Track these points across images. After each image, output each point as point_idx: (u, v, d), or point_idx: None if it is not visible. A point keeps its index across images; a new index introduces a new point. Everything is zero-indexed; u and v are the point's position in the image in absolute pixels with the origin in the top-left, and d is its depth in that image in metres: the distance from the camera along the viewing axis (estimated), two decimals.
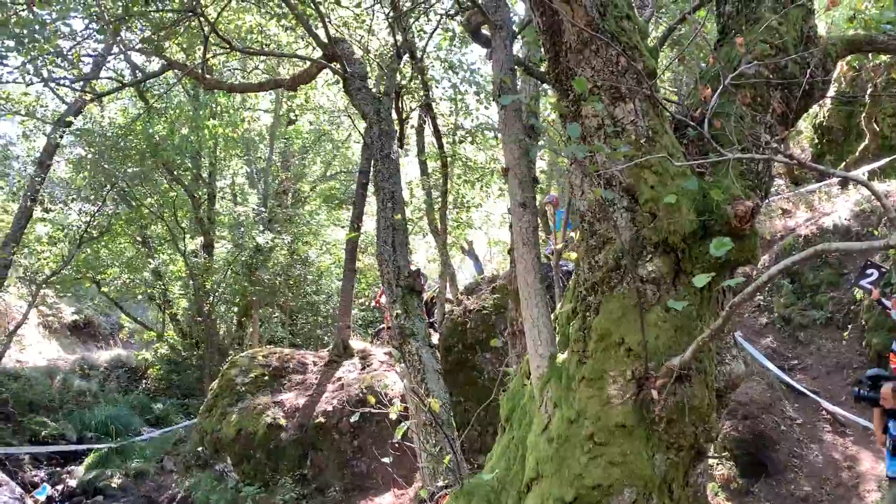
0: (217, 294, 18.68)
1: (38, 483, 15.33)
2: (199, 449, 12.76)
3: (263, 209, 18.36)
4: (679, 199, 3.26)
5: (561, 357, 3.57)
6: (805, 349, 10.92)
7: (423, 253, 23.90)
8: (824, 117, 15.27)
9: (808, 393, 9.79)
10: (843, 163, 14.25)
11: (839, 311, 10.88)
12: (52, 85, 10.36)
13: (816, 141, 15.52)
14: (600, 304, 3.39)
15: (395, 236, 5.62)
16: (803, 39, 3.75)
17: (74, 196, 15.66)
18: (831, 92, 13.85)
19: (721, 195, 3.11)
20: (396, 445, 11.56)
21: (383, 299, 16.73)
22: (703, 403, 3.34)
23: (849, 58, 4.79)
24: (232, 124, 14.74)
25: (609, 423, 3.25)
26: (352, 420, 8.73)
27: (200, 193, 19.35)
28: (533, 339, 3.63)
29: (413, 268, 5.73)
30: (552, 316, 3.86)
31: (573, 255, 3.77)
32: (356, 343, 14.42)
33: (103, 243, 18.97)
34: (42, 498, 8.97)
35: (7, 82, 9.94)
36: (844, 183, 12.75)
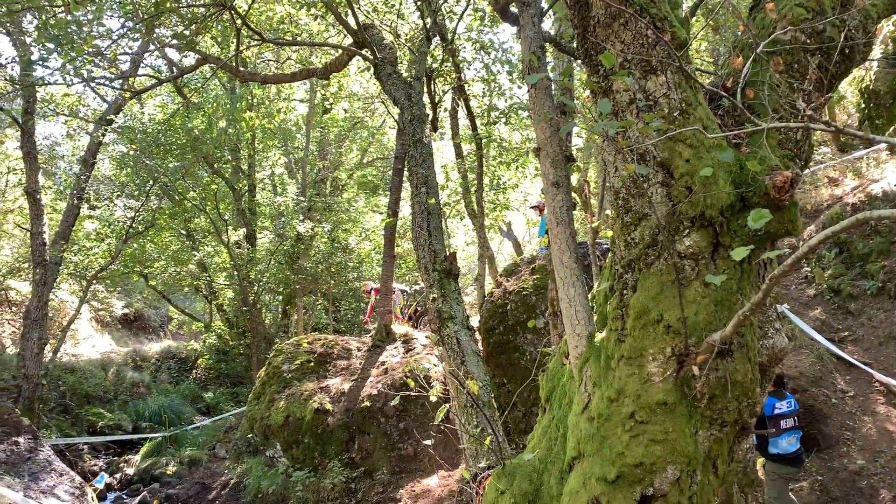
0: (261, 284, 18.98)
1: (97, 472, 15.88)
2: (249, 436, 13.03)
3: (303, 198, 18.55)
4: (715, 172, 3.20)
5: (599, 336, 3.55)
6: (856, 320, 10.65)
7: (461, 236, 23.94)
8: (871, 81, 14.77)
9: (859, 365, 9.56)
10: (893, 127, 13.79)
11: (891, 281, 10.57)
12: (93, 84, 10.60)
13: (863, 105, 15.03)
14: (637, 282, 3.35)
15: (430, 220, 5.61)
16: (841, 1, 3.62)
17: (119, 192, 16.04)
18: (877, 54, 13.38)
19: (758, 166, 3.03)
20: (441, 428, 11.67)
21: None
22: (746, 378, 3.29)
23: (894, 17, 4.62)
24: (268, 116, 14.88)
25: (650, 400, 3.22)
26: (392, 403, 8.83)
27: (241, 185, 19.64)
28: (570, 319, 3.61)
29: (449, 252, 5.74)
30: (589, 295, 3.83)
31: (609, 234, 3.73)
32: (398, 327, 14.53)
33: (149, 238, 19.40)
34: (100, 486, 9.29)
35: (49, 84, 10.22)
36: (893, 148, 12.34)
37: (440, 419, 4.04)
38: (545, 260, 11.81)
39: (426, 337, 14.17)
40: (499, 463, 3.70)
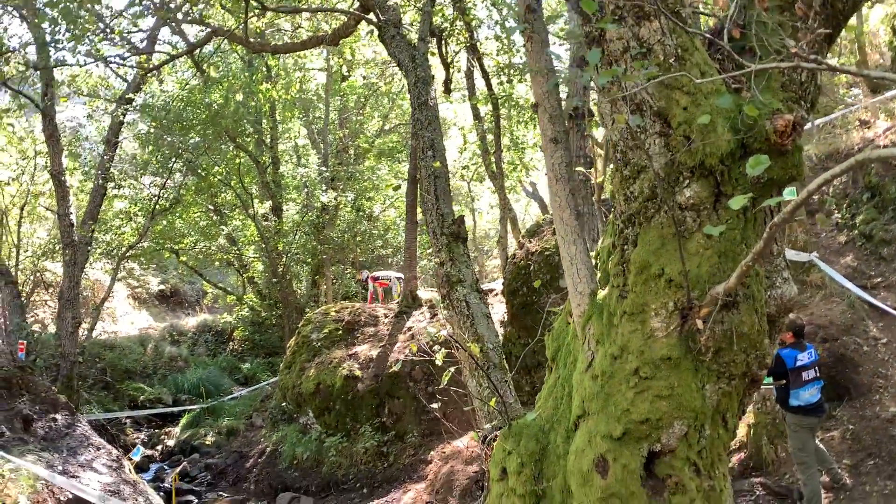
0: (289, 255, 19.14)
1: (134, 445, 16.35)
2: (283, 404, 13.27)
3: (325, 168, 18.56)
4: (714, 119, 3.08)
5: (602, 293, 3.49)
6: (889, 266, 10.37)
7: (485, 199, 23.79)
8: None
9: (892, 312, 9.33)
10: None
11: None
12: (108, 63, 10.64)
13: (895, 44, 14.46)
14: (638, 236, 3.28)
15: (437, 184, 5.55)
16: None
17: (143, 170, 16.20)
18: None
19: (755, 110, 2.92)
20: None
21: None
22: (753, 330, 3.21)
23: None
24: (286, 86, 14.85)
25: (654, 356, 3.16)
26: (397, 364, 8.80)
27: (264, 159, 19.71)
28: (572, 277, 3.55)
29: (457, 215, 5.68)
30: (593, 252, 3.76)
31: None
32: (424, 293, 14.57)
33: (178, 214, 19.64)
34: (137, 458, 9.56)
35: (64, 65, 10.28)
36: None
37: (445, 382, 4.04)
38: None
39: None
40: (505, 424, 3.69)
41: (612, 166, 3.91)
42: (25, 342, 12.38)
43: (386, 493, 10.47)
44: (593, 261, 3.74)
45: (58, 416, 9.10)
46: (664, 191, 3.14)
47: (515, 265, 11.34)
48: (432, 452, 10.89)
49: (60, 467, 8.08)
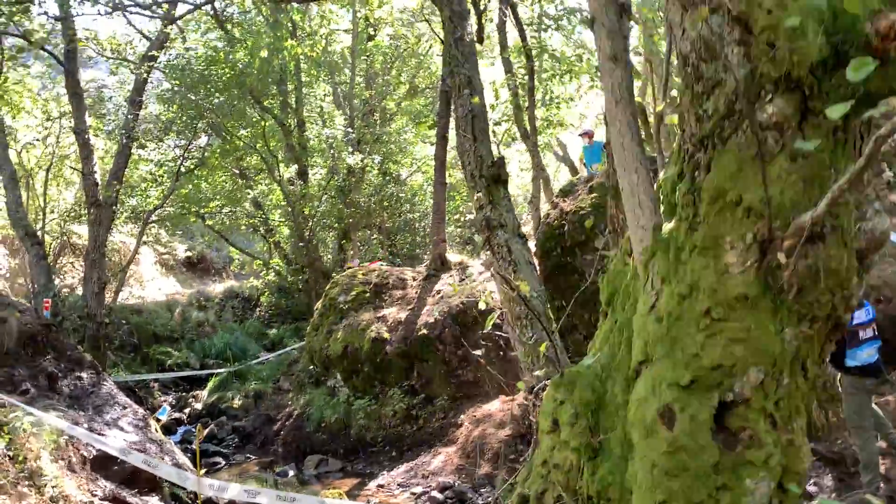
0: (315, 219, 18.91)
1: (162, 405, 16.36)
2: (311, 367, 13.11)
3: (351, 130, 18.21)
4: (803, 22, 2.67)
5: (667, 227, 3.12)
6: None
7: (514, 164, 23.28)
8: None
9: None
10: None
11: None
12: (131, 11, 10.32)
13: None
14: (712, 160, 2.89)
15: (475, 124, 5.18)
16: None
17: (167, 131, 15.96)
18: None
19: (857, 6, 2.50)
20: (500, 354, 11.45)
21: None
22: (841, 266, 2.83)
23: None
24: (311, 43, 14.47)
25: (728, 295, 2.80)
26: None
27: (290, 122, 19.40)
28: (633, 210, 3.19)
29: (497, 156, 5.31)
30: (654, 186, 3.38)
31: (675, 119, 3.26)
32: (453, 256, 14.26)
33: (203, 178, 19.47)
34: (163, 418, 9.44)
35: (88, 14, 9.96)
36: None
37: (489, 327, 3.71)
38: (603, 177, 11.26)
39: (482, 265, 13.87)
40: (557, 372, 3.36)
41: (674, 92, 3.51)
42: (51, 301, 12.32)
43: (415, 457, 10.28)
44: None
45: (83, 375, 8.98)
46: (744, 107, 2.75)
47: (549, 225, 10.96)
48: (462, 416, 10.65)
49: (86, 425, 7.95)
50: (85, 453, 7.54)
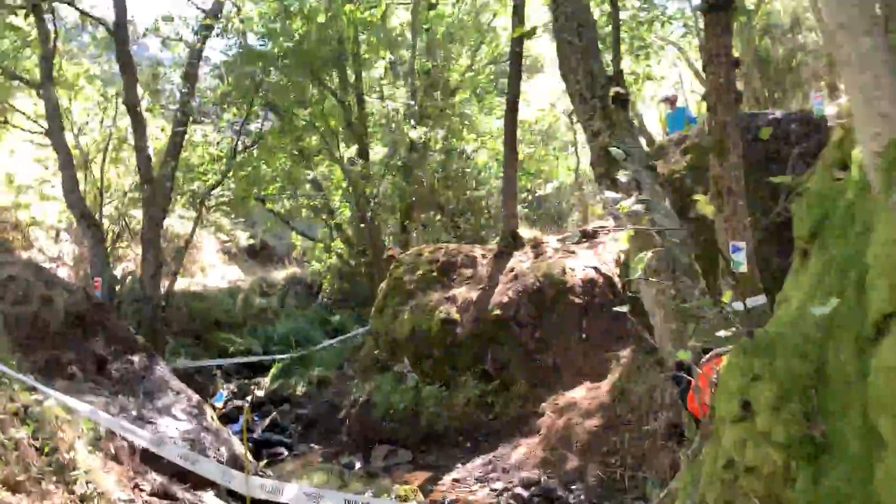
0: (377, 200, 18.11)
1: (218, 390, 15.85)
2: (376, 352, 12.29)
3: (412, 102, 17.29)
4: None
5: None
6: None
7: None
8: None
9: None
10: None
11: None
12: None
13: None
14: None
15: (583, 32, 4.14)
16: None
17: (223, 103, 15.28)
18: None
19: None
20: (584, 336, 10.38)
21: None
22: None
23: None
24: (370, 6, 13.61)
25: None
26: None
27: (349, 98, 18.64)
28: (864, 92, 2.13)
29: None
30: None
31: None
32: (525, 232, 13.21)
33: (262, 160, 18.92)
34: (220, 405, 8.77)
35: None
36: None
37: (639, 272, 2.69)
38: (699, 137, 10.05)
39: (557, 240, 12.80)
40: (743, 335, 2.32)
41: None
42: (107, 283, 11.82)
43: (492, 448, 9.33)
44: None
45: (135, 358, 8.33)
46: None
47: None
48: (543, 404, 9.65)
49: (135, 412, 7.26)
50: (124, 443, 6.86)
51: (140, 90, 12.81)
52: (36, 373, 7.09)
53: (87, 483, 4.55)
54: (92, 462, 4.98)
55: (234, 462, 7.50)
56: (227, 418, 13.91)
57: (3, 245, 9.75)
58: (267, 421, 12.93)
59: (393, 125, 17.23)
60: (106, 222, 16.38)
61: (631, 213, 3.42)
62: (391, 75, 19.79)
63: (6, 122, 13.86)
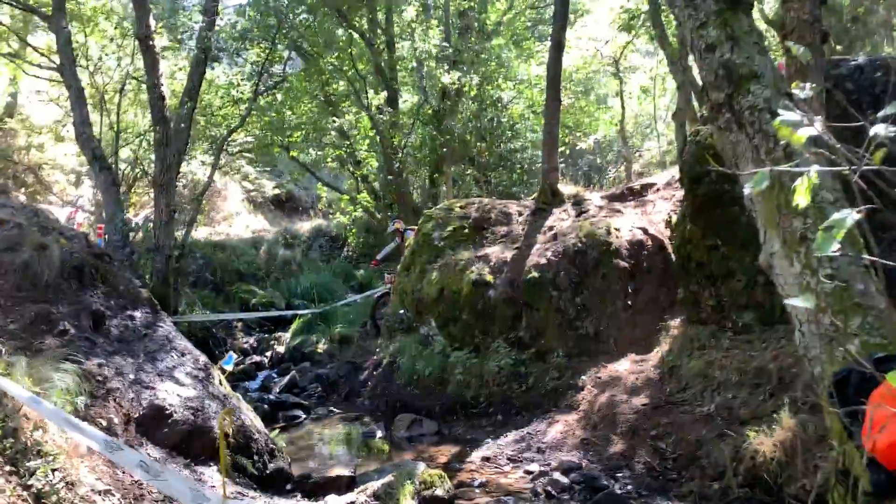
0: (405, 150, 17.14)
1: (247, 351, 15.22)
2: (401, 311, 11.48)
3: (447, 45, 16.14)
4: None
5: None
6: None
7: (635, 80, 20.47)
8: None
9: None
10: None
11: None
12: None
13: None
14: None
15: None
16: None
17: (244, 40, 14.27)
18: None
19: None
20: (628, 303, 9.44)
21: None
22: None
23: None
24: None
25: None
26: None
27: (379, 41, 17.55)
28: None
29: None
30: None
31: None
32: (566, 187, 12.18)
33: (287, 105, 18.02)
34: (229, 367, 8.01)
35: None
36: None
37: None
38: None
39: (601, 197, 11.79)
40: None
41: None
42: (119, 230, 11.09)
43: (526, 423, 8.51)
44: None
45: (136, 314, 7.57)
46: None
47: (698, 145, 8.72)
48: (583, 377, 8.78)
49: (132, 375, 6.52)
50: (130, 409, 6.13)
51: (153, 23, 11.85)
52: (21, 330, 6.36)
53: (52, 472, 3.78)
54: (66, 444, 4.22)
55: (241, 435, 6.77)
56: (246, 375, 13.31)
57: None
58: (285, 380, 12.28)
59: (424, 70, 16.11)
60: (123, 166, 15.67)
61: (812, 142, 2.43)
62: (424, 17, 18.58)
63: (16, 55, 13.02)
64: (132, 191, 15.96)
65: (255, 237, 23.32)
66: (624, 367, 8.72)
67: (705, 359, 8.05)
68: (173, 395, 6.52)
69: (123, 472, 5.35)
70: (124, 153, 15.64)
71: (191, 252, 18.14)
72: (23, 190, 18.38)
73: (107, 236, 11.81)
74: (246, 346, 15.39)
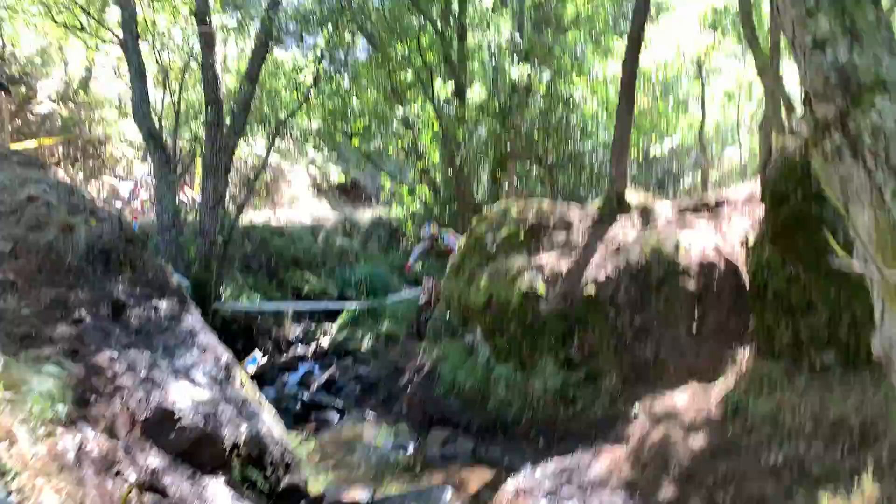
0: (469, 145, 16.47)
1: (292, 342, 14.90)
2: (447, 315, 10.88)
3: (518, 35, 15.36)
4: None
5: None
6: None
7: (719, 84, 19.17)
8: None
9: None
10: None
11: None
12: None
13: None
14: None
15: None
16: None
17: (306, 22, 13.85)
18: None
19: None
20: (692, 328, 8.60)
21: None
22: None
23: None
24: None
25: None
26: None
27: (450, 31, 16.92)
28: None
29: None
30: None
31: None
32: (634, 195, 11.29)
33: (354, 93, 17.62)
34: (253, 368, 7.58)
35: None
36: None
37: None
38: None
39: (672, 209, 10.88)
40: None
41: None
42: (170, 211, 10.83)
43: (569, 451, 7.76)
44: None
45: (162, 304, 7.19)
46: None
47: (785, 160, 7.78)
48: (637, 406, 7.98)
49: (144, 372, 6.10)
50: (137, 409, 5.72)
51: (212, 1, 11.54)
52: (34, 315, 6.03)
53: (6, 494, 3.33)
54: (33, 459, 3.77)
55: (255, 445, 6.29)
56: (288, 367, 12.96)
57: (34, 160, 8.76)
58: (325, 376, 11.88)
59: (493, 61, 15.40)
60: (184, 144, 15.54)
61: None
62: (500, 7, 17.83)
63: (83, 28, 12.94)
64: (188, 170, 15.81)
65: (315, 224, 23.13)
66: (682, 399, 7.88)
67: (776, 400, 7.15)
68: (185, 396, 6.08)
69: (123, 476, 4.94)
70: (185, 133, 15.50)
71: (247, 236, 18.00)
72: (90, 162, 18.58)
73: (155, 217, 11.60)
74: (292, 336, 15.10)
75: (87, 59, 18.52)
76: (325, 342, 14.38)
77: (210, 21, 11.22)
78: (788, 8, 2.32)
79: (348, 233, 23.63)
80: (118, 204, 16.83)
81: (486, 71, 17.31)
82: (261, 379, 11.23)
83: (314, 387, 11.43)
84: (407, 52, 16.15)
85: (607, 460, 7.35)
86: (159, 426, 5.75)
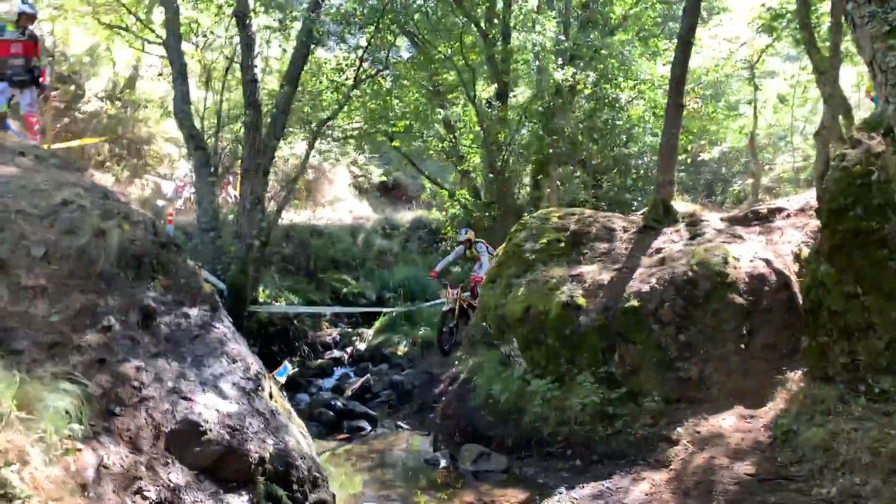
0: (511, 148, 16.18)
1: (328, 345, 14.82)
2: (483, 324, 10.64)
3: (564, 38, 15.01)
4: None
5: None
6: None
7: (771, 88, 18.54)
8: None
9: None
10: None
11: None
12: None
13: None
14: None
15: None
16: None
17: (348, 23, 13.70)
18: None
19: None
20: (740, 346, 8.20)
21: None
22: None
23: None
24: None
25: None
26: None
27: (493, 31, 16.67)
28: None
29: None
30: None
31: None
32: (681, 205, 10.88)
33: (395, 94, 17.47)
34: (282, 379, 7.45)
35: None
36: None
37: None
38: None
39: (721, 219, 10.46)
40: None
41: None
42: (209, 213, 10.80)
43: (606, 474, 7.45)
44: None
45: (193, 311, 7.04)
46: None
47: (844, 171, 7.34)
48: (680, 429, 7.63)
49: (171, 383, 5.95)
50: (163, 421, 5.59)
51: (252, 2, 11.48)
52: (63, 323, 5.94)
53: None
54: (48, 481, 3.64)
55: (282, 461, 6.12)
56: (323, 372, 12.86)
57: (70, 163, 8.75)
58: (359, 383, 11.74)
59: (537, 62, 15.07)
60: (225, 145, 15.58)
61: None
62: (545, 8, 17.48)
63: (127, 28, 13.04)
64: (230, 170, 15.86)
65: (355, 224, 23.11)
66: (729, 422, 7.51)
67: (830, 427, 6.73)
68: (212, 409, 5.92)
69: (144, 493, 4.81)
70: (227, 133, 15.54)
71: (287, 236, 17.99)
72: (135, 161, 18.81)
73: (196, 219, 11.61)
74: (328, 339, 15.04)
75: (134, 58, 18.75)
76: (361, 346, 14.28)
77: (251, 22, 11.16)
78: (866, 24, 2.02)
79: (388, 234, 23.54)
80: (161, 203, 16.99)
81: (530, 72, 16.98)
82: (294, 384, 11.15)
83: (348, 392, 11.30)
84: (450, 52, 15.94)
85: (647, 485, 7.02)
86: (184, 440, 5.60)
